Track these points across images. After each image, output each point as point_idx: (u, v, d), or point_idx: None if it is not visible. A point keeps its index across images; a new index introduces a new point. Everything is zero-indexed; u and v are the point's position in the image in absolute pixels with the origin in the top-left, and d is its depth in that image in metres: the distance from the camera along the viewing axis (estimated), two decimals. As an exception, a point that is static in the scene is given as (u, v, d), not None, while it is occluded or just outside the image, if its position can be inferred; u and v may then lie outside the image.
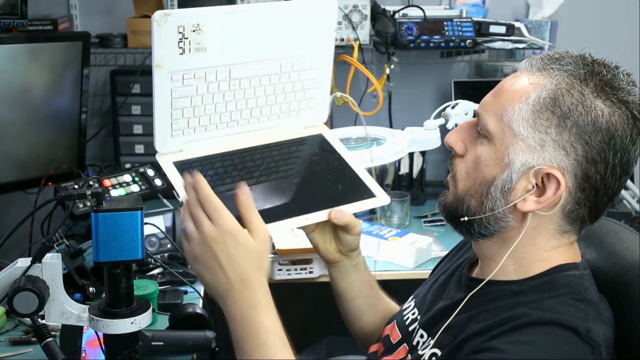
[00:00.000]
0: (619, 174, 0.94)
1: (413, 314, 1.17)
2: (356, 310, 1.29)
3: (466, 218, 1.00)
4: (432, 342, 1.04)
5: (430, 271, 1.31)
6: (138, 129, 2.34)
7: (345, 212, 1.16)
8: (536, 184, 0.94)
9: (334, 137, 1.29)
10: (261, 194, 1.17)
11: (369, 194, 1.20)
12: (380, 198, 1.19)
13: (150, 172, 2.15)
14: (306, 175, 1.23)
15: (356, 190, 1.20)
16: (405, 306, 1.22)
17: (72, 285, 1.53)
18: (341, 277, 1.26)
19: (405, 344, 1.13)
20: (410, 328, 1.14)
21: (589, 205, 0.96)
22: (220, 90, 1.19)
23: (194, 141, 1.21)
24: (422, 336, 1.08)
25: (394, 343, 1.15)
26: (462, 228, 1.03)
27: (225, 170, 1.21)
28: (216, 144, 1.22)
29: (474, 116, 1.07)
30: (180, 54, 1.12)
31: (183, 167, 1.19)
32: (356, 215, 1.19)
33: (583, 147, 0.92)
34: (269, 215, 1.12)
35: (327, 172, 1.23)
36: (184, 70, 1.15)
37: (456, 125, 1.61)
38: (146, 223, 1.56)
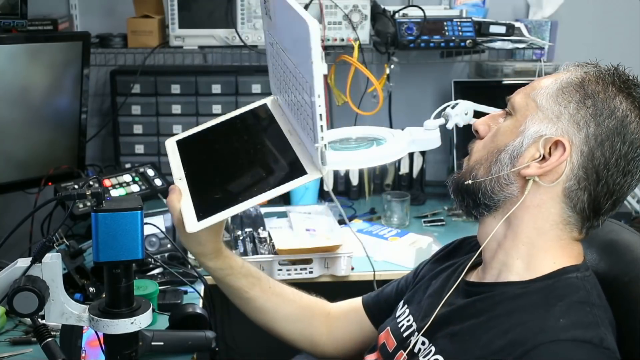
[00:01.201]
0: (623, 167, 0.97)
1: (408, 320, 1.16)
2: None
3: (470, 181, 1.03)
4: (433, 348, 1.04)
5: (413, 272, 1.30)
6: (138, 129, 2.34)
7: (174, 197, 1.17)
8: (543, 155, 0.97)
9: (315, 180, 1.19)
10: (236, 170, 1.24)
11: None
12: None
13: (150, 172, 2.15)
14: (244, 168, 1.23)
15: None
16: (398, 313, 1.21)
17: (72, 285, 1.53)
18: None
19: (401, 351, 1.12)
20: (405, 334, 1.14)
21: (590, 190, 0.97)
22: (281, 69, 1.22)
23: (280, 102, 1.29)
24: (423, 343, 1.07)
25: (390, 351, 1.15)
26: (468, 200, 1.05)
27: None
28: (284, 116, 1.28)
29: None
30: (265, 13, 1.21)
31: (262, 112, 1.34)
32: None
33: (595, 127, 0.96)
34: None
35: (251, 181, 1.20)
36: (268, 32, 1.24)
37: (456, 126, 1.62)
38: (146, 223, 1.56)
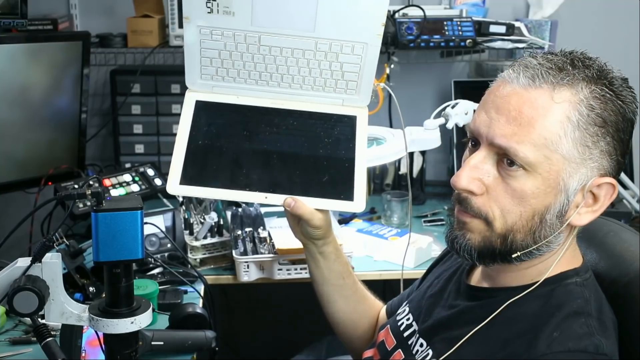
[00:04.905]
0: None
1: (407, 319, 1.16)
2: (325, 295, 1.33)
3: (519, 253, 0.96)
4: (431, 352, 1.04)
5: (424, 272, 1.30)
6: (138, 128, 2.35)
7: (301, 204, 1.18)
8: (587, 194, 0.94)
9: (365, 124, 1.28)
10: (254, 157, 1.22)
11: (347, 197, 1.20)
12: (356, 204, 1.20)
13: (150, 172, 2.15)
14: (306, 153, 1.24)
15: (338, 187, 1.21)
16: (399, 311, 1.22)
17: (72, 285, 1.53)
18: (310, 260, 1.31)
19: (400, 349, 1.12)
20: (405, 334, 1.14)
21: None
22: (249, 52, 1.23)
23: (223, 87, 1.27)
24: (421, 345, 1.07)
25: (389, 349, 1.15)
26: (496, 260, 0.98)
27: (238, 123, 1.27)
28: (244, 96, 1.27)
29: (472, 141, 1.00)
30: (209, 12, 1.19)
31: (203, 107, 1.27)
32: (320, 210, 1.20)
33: (620, 145, 0.93)
34: (236, 182, 1.19)
35: (327, 157, 1.24)
36: (211, 27, 1.21)
37: (456, 125, 1.62)
38: (146, 223, 1.57)
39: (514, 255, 0.96)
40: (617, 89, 0.92)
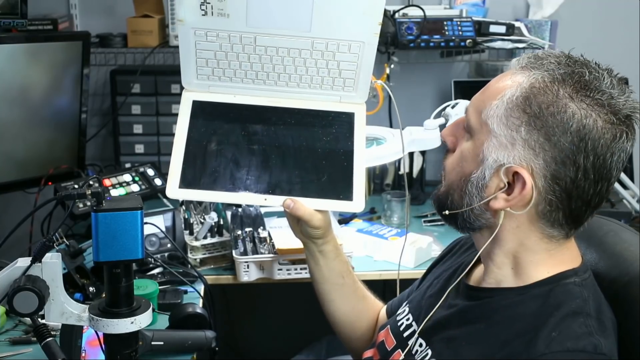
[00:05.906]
0: (594, 178, 0.91)
1: (407, 319, 1.16)
2: (324, 294, 1.33)
3: (447, 212, 1.03)
4: (430, 352, 1.04)
5: (424, 273, 1.30)
6: (138, 128, 2.35)
7: (300, 205, 1.19)
8: (508, 182, 0.94)
9: (363, 121, 1.29)
10: (253, 157, 1.22)
11: (346, 197, 1.20)
12: (355, 204, 1.20)
13: (150, 172, 2.15)
14: (304, 153, 1.24)
15: (337, 187, 1.21)
16: (399, 311, 1.22)
17: (72, 285, 1.53)
18: (310, 258, 1.31)
19: (399, 349, 1.12)
20: (405, 334, 1.14)
21: (562, 208, 0.94)
22: (245, 52, 1.23)
23: (219, 86, 1.28)
24: (420, 345, 1.07)
25: (389, 350, 1.15)
26: (449, 220, 1.05)
27: (235, 122, 1.26)
28: (241, 95, 1.28)
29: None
30: (203, 15, 1.18)
31: (200, 107, 1.27)
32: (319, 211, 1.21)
33: (552, 148, 0.90)
34: (235, 185, 1.20)
35: (326, 157, 1.24)
36: (206, 29, 1.21)
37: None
38: (146, 223, 1.57)
39: (443, 212, 1.03)
40: (575, 99, 0.89)
